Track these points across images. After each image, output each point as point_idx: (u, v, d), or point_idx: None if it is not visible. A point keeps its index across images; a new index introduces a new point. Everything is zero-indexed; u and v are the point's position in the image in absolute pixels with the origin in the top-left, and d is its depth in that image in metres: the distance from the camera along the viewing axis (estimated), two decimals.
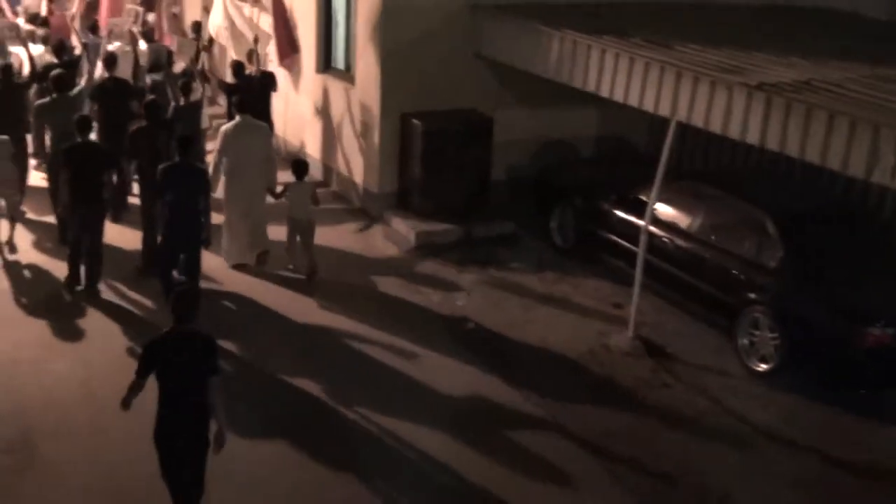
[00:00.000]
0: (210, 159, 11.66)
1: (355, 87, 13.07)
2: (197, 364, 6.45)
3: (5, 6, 15.18)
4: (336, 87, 13.65)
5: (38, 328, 9.90)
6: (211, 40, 14.51)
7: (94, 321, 10.12)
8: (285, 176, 11.57)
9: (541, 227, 12.35)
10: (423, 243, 12.06)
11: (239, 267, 11.32)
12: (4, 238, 11.49)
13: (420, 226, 12.22)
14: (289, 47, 13.90)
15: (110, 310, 10.34)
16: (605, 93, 10.46)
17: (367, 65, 12.70)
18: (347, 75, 13.46)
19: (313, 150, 14.40)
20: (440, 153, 12.25)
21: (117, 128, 11.81)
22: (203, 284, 10.32)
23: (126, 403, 6.49)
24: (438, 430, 8.39)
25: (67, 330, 9.89)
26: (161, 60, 13.31)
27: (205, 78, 13.28)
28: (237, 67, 13.31)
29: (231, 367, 8.94)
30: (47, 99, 11.83)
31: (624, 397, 9.15)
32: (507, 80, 12.81)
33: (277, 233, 11.45)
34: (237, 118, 11.28)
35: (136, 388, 6.46)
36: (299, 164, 11.32)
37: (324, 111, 13.97)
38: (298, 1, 14.23)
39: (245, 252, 11.33)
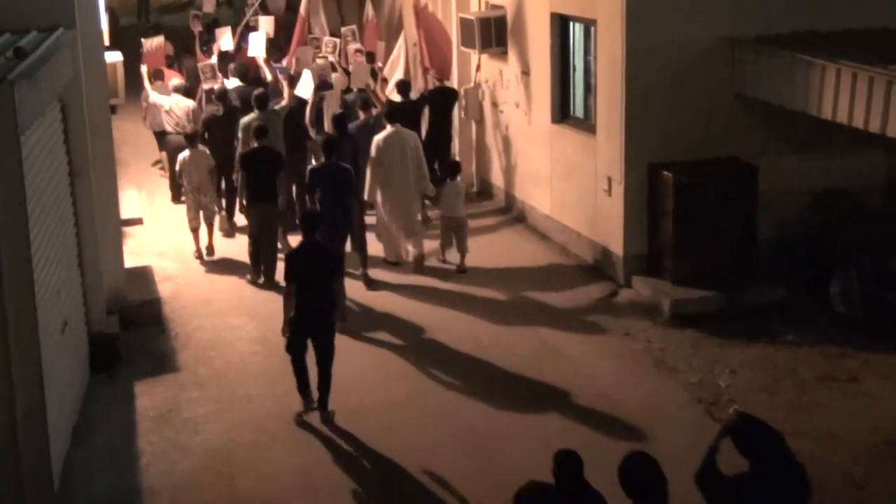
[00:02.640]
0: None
1: (596, 137, 12.87)
2: (324, 267, 9.46)
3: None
4: (574, 138, 13.51)
5: (252, 407, 10.11)
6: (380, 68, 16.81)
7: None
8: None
9: (819, 292, 11.71)
10: (679, 313, 11.63)
11: (394, 265, 13.25)
12: (205, 243, 13.83)
13: (674, 293, 11.84)
14: (428, 61, 15.65)
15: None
16: (894, 133, 9.86)
17: (610, 112, 12.49)
18: (587, 124, 13.32)
19: (546, 207, 14.27)
20: (696, 209, 11.86)
21: (297, 141, 14.48)
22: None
23: (285, 323, 9.44)
24: None
25: (281, 409, 10.00)
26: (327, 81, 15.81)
27: (377, 98, 15.10)
28: (401, 86, 15.17)
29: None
30: (251, 115, 13.84)
31: None
32: (773, 123, 12.34)
33: None
34: (388, 128, 13.02)
35: (287, 295, 9.42)
36: (452, 165, 13.61)
37: (560, 165, 13.84)
38: (530, 46, 14.29)
39: (400, 252, 13.32)
